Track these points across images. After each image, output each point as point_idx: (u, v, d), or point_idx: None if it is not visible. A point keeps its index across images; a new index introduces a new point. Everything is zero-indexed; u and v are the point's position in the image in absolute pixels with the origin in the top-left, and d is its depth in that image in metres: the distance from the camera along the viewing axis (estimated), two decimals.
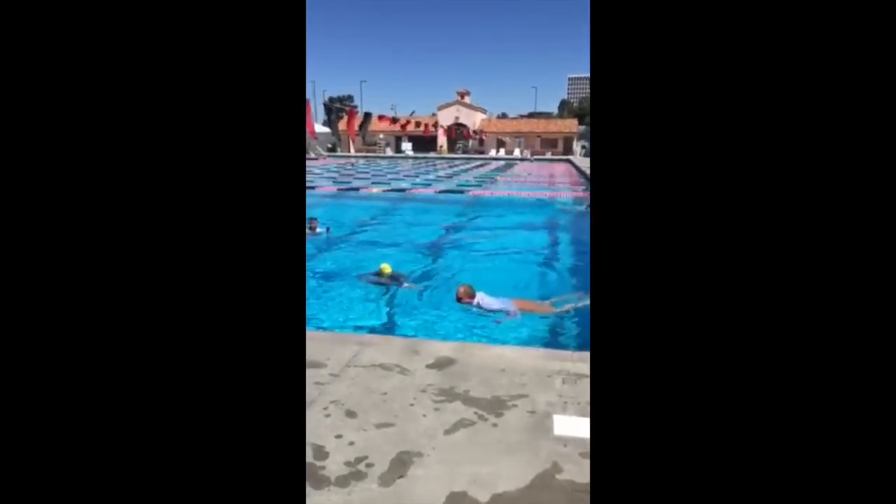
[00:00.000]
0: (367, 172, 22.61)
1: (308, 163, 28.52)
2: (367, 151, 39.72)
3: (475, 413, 2.29)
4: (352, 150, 40.15)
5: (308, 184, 17.04)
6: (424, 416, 2.27)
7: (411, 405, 2.36)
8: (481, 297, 4.72)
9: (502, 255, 7.13)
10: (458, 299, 4.74)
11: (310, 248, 7.46)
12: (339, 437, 2.11)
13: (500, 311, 4.63)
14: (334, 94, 47.88)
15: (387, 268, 5.52)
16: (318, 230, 8.06)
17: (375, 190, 15.57)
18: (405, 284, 5.53)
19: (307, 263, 6.63)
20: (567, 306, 4.70)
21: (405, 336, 3.88)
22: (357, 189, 15.85)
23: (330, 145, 39.40)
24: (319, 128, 37.58)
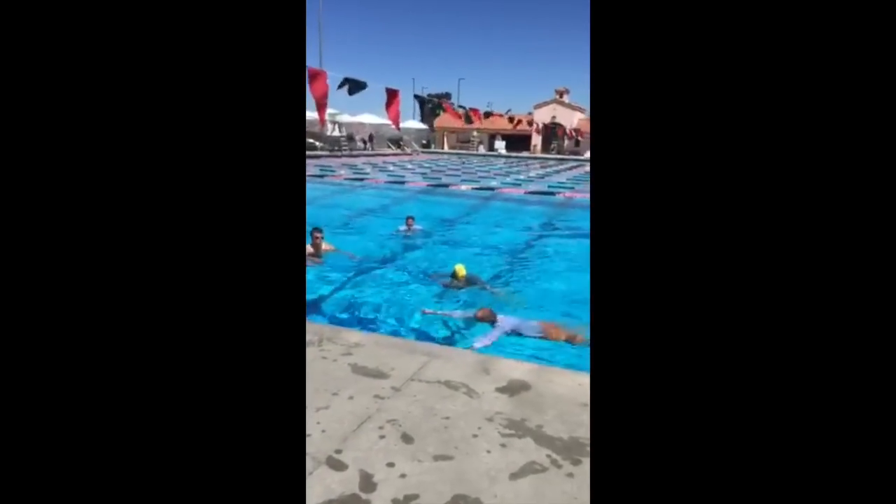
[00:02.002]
0: (458, 169, 22.59)
1: (402, 158, 29.20)
2: (461, 149, 39.91)
3: (548, 456, 1.96)
4: (445, 146, 40.56)
5: (399, 178, 17.36)
6: (488, 451, 1.99)
7: (475, 436, 2.09)
8: (503, 321, 4.21)
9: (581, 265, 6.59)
10: (478, 321, 4.26)
11: (403, 246, 7.47)
12: (391, 465, 1.89)
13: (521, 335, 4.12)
14: (433, 91, 48.64)
15: (461, 269, 5.25)
16: (413, 227, 8.06)
17: (464, 187, 15.44)
18: (489, 289, 5.26)
19: (399, 260, 6.60)
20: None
21: (472, 350, 3.60)
22: (447, 185, 15.82)
23: (424, 141, 40.10)
24: (413, 123, 38.33)
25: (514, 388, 2.49)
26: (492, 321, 4.23)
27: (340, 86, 8.67)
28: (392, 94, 9.18)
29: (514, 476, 1.85)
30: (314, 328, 3.29)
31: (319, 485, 1.77)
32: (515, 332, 4.13)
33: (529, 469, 1.89)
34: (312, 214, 9.57)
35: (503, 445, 2.03)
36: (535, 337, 4.09)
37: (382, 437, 2.07)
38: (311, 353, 2.85)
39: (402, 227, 8.13)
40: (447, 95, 49.56)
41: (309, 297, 5.09)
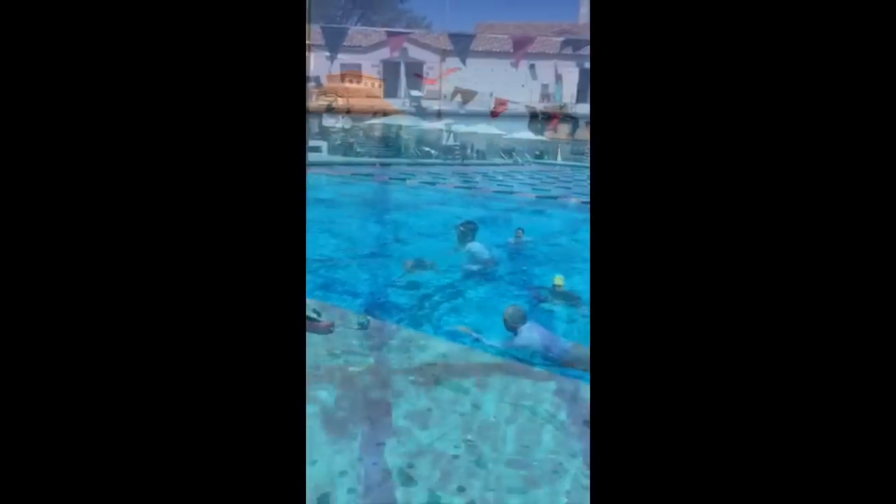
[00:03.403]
0: (570, 182, 21.95)
1: (512, 168, 29.12)
2: (575, 160, 38.87)
3: None
4: (559, 158, 39.75)
5: (507, 188, 17.28)
6: (568, 492, 1.81)
7: (555, 472, 1.92)
8: (530, 328, 3.65)
9: None
10: (505, 321, 3.75)
11: (511, 257, 7.44)
12: (461, 489, 1.80)
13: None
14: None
15: (560, 280, 5.03)
16: (522, 238, 8.09)
17: (574, 200, 14.93)
18: (582, 310, 4.97)
19: (505, 270, 6.53)
20: None
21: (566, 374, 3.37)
22: (556, 198, 15.44)
23: (537, 152, 39.66)
24: (525, 133, 38.07)
25: None
26: (522, 321, 3.73)
27: (452, 96, 8.87)
28: (500, 103, 9.27)
29: None
30: (404, 334, 3.31)
31: (389, 494, 1.74)
32: (536, 347, 3.67)
33: None
34: (418, 219, 9.82)
35: (587, 488, 1.84)
36: (559, 359, 3.60)
37: (457, 456, 1.98)
38: (398, 359, 2.85)
39: (512, 239, 8.13)
40: (564, 106, 48.58)
41: (408, 302, 5.19)
